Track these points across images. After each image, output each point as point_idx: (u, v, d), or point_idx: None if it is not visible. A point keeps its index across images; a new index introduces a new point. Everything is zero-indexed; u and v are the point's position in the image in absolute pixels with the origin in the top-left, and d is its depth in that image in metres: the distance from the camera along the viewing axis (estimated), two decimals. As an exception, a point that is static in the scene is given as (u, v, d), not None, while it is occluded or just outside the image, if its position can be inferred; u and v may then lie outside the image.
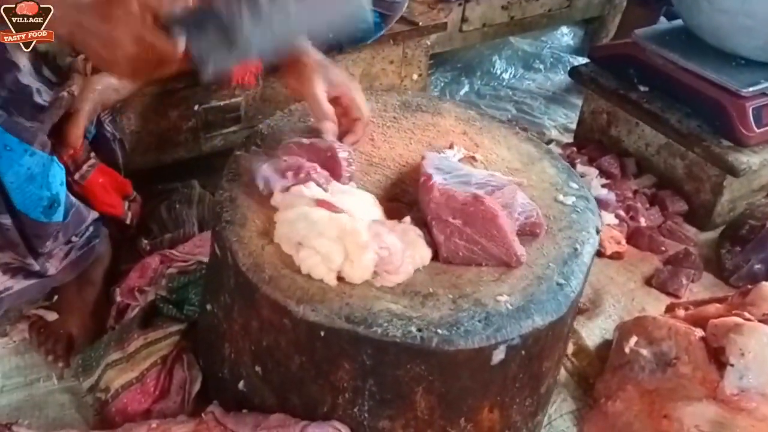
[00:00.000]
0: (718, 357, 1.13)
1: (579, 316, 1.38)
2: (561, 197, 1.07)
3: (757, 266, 1.50)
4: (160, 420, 1.03)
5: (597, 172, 1.72)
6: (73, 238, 1.16)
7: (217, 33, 0.87)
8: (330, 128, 1.06)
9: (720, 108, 1.58)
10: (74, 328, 1.23)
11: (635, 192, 1.71)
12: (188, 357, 1.14)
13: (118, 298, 1.27)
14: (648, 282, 1.51)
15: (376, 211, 0.98)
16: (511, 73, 2.39)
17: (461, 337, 0.84)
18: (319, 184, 0.97)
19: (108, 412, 1.10)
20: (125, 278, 1.29)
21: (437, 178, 0.96)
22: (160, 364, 1.12)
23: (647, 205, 1.68)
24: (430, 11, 1.72)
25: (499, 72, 2.38)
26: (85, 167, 1.20)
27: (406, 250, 0.91)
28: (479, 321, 0.86)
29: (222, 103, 1.50)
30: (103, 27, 0.83)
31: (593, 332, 1.36)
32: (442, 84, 2.28)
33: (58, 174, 1.07)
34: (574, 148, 1.86)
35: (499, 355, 0.88)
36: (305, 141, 1.04)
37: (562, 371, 1.27)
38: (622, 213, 1.63)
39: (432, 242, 0.94)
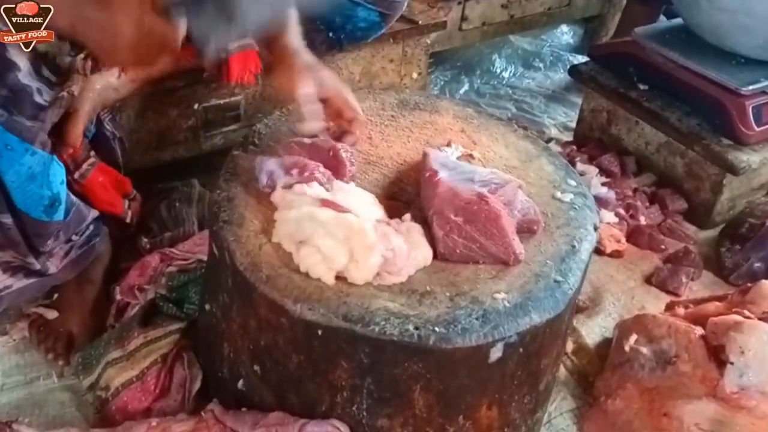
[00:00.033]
0: (717, 355, 1.13)
1: (579, 315, 1.38)
2: (559, 194, 1.07)
3: (757, 264, 1.50)
4: (161, 418, 1.03)
5: (597, 170, 1.72)
6: (74, 237, 1.16)
7: (215, 9, 0.87)
8: (318, 127, 1.06)
9: (720, 106, 1.58)
10: (74, 326, 1.23)
11: (635, 190, 1.70)
12: (188, 355, 1.14)
13: (118, 297, 1.27)
14: (648, 280, 1.51)
15: (377, 210, 0.97)
16: (510, 72, 2.38)
17: (458, 335, 0.84)
18: (321, 184, 0.97)
19: (108, 411, 1.10)
20: (125, 276, 1.29)
21: (443, 174, 0.96)
22: (160, 362, 1.12)
23: (647, 204, 1.68)
24: (430, 10, 1.72)
25: (498, 70, 2.37)
26: (84, 166, 1.20)
27: (410, 251, 0.91)
28: (476, 319, 0.86)
29: (222, 102, 1.50)
30: (103, 15, 0.84)
31: (593, 330, 1.36)
32: (442, 83, 2.28)
33: (58, 173, 1.07)
34: (574, 147, 1.86)
35: (496, 353, 0.88)
36: (306, 140, 1.04)
37: (562, 369, 1.27)
38: (621, 211, 1.63)
39: (430, 239, 0.94)
